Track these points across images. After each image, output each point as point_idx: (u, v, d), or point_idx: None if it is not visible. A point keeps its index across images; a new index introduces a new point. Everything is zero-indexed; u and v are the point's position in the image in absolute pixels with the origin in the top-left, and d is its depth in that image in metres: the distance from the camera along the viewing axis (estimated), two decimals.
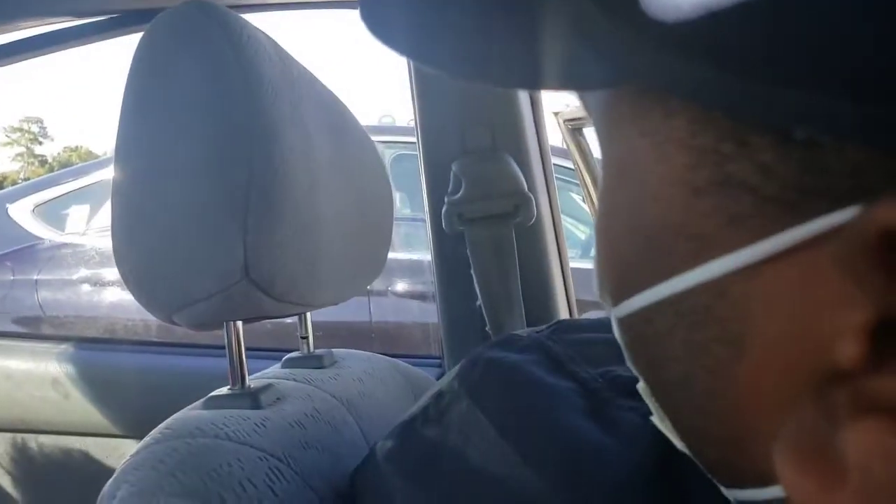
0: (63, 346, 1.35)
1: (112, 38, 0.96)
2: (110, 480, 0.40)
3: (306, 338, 0.64)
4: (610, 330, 0.22)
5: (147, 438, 0.43)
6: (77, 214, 2.27)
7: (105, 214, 2.22)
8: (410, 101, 0.91)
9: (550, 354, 0.36)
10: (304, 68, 0.54)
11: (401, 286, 2.06)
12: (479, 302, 0.86)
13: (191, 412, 0.46)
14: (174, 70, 0.44)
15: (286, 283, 0.47)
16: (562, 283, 0.91)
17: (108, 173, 2.29)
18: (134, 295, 0.46)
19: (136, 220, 0.45)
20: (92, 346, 1.39)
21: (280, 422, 0.44)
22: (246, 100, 0.42)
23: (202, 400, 0.48)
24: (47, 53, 0.88)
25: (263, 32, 0.49)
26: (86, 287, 1.85)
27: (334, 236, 0.53)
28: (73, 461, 1.28)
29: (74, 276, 1.92)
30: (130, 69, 0.45)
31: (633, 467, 0.27)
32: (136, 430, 1.22)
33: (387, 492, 0.35)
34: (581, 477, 0.28)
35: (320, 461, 0.44)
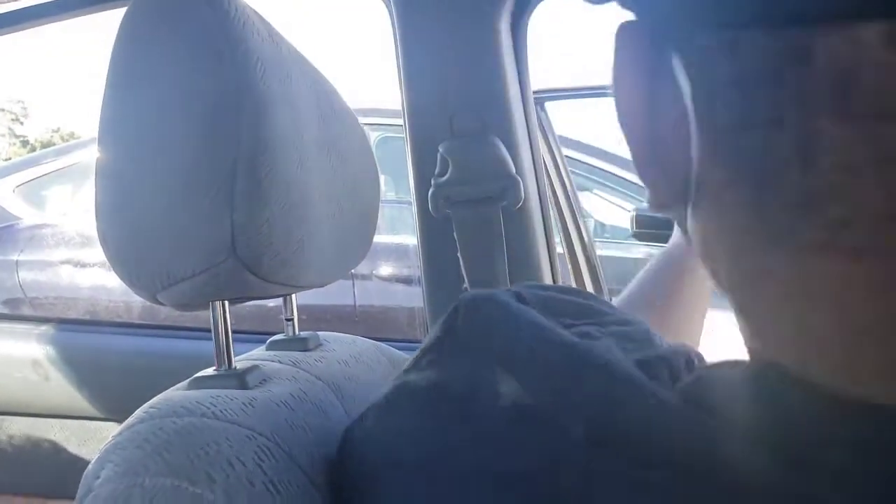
0: (44, 328, 1.33)
1: (94, 12, 0.94)
2: (94, 460, 0.39)
3: (291, 320, 0.63)
4: (573, 294, 0.22)
5: (131, 418, 0.42)
6: (58, 195, 2.24)
7: (87, 195, 2.19)
8: (398, 83, 0.90)
9: (524, 300, 0.35)
10: (294, 46, 0.53)
11: (385, 270, 2.06)
12: (466, 285, 0.86)
13: (175, 392, 0.46)
14: (160, 45, 0.43)
15: (273, 263, 0.47)
16: (549, 266, 0.91)
17: (90, 154, 2.27)
18: (118, 275, 0.46)
19: (120, 199, 0.44)
20: (73, 328, 1.37)
21: (267, 402, 0.44)
22: (234, 75, 0.42)
23: (187, 381, 0.48)
24: (28, 28, 0.86)
25: (252, 8, 0.48)
26: (67, 268, 1.83)
27: (321, 216, 0.53)
28: (52, 443, 1.27)
29: (55, 258, 1.89)
30: (114, 45, 0.45)
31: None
32: (117, 413, 1.21)
33: (378, 449, 0.34)
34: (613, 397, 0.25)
35: (308, 441, 0.44)
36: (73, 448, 1.25)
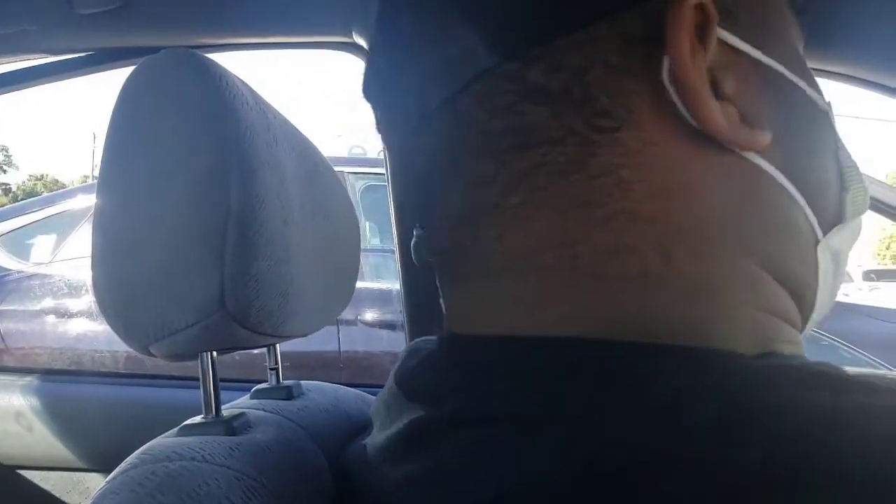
0: (28, 379, 1.33)
1: (84, 75, 0.98)
2: (89, 502, 0.41)
3: (275, 369, 0.66)
4: None
5: (123, 464, 0.44)
6: (43, 244, 2.25)
7: (72, 245, 2.20)
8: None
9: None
10: (278, 112, 0.57)
11: (370, 315, 2.08)
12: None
13: (165, 439, 0.48)
14: (157, 111, 0.47)
15: (260, 315, 0.49)
16: None
17: (75, 203, 2.29)
18: (111, 326, 0.48)
19: (116, 254, 0.47)
20: (57, 379, 1.37)
21: (253, 447, 0.46)
22: (225, 142, 0.45)
23: (176, 428, 0.50)
24: (22, 88, 0.90)
25: (239, 78, 0.52)
26: (51, 318, 1.83)
27: (305, 270, 0.56)
28: (34, 495, 1.25)
29: (39, 307, 1.89)
30: (115, 107, 0.48)
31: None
32: (100, 463, 1.21)
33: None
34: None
35: (292, 484, 0.46)
36: (52, 500, 1.23)
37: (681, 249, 0.27)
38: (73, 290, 1.89)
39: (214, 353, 0.51)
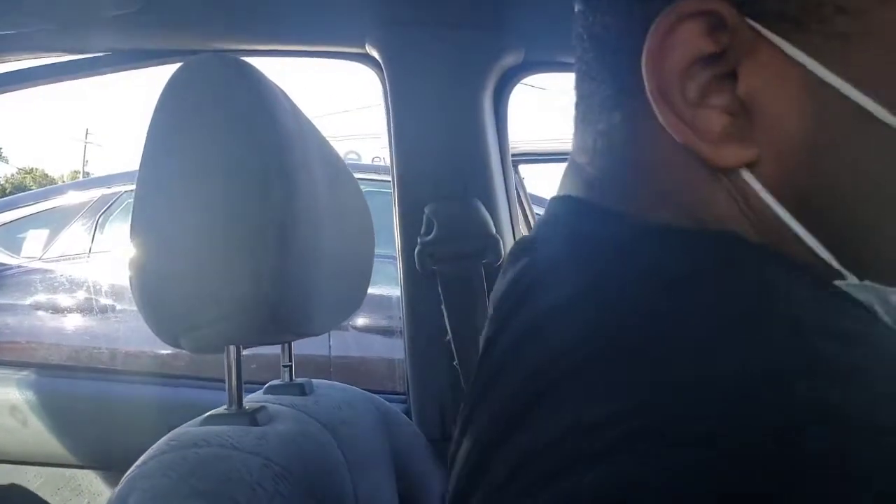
0: (24, 373, 1.33)
1: (99, 75, 0.99)
2: (118, 488, 0.43)
3: (289, 366, 0.68)
4: None
5: (152, 450, 0.46)
6: (35, 239, 2.24)
7: (63, 241, 2.20)
8: (388, 147, 0.97)
9: None
10: (308, 119, 0.59)
11: (362, 321, 2.09)
12: (449, 337, 0.91)
13: (191, 428, 0.50)
14: (200, 114, 0.49)
15: (286, 312, 0.52)
16: None
17: (67, 199, 2.28)
18: (144, 317, 0.50)
19: (154, 249, 0.49)
20: (53, 374, 1.37)
21: (277, 437, 0.48)
22: (267, 146, 0.48)
23: (200, 417, 0.52)
24: (35, 86, 0.92)
25: (277, 85, 0.55)
26: (41, 313, 1.82)
27: (326, 271, 0.58)
28: (26, 490, 1.25)
29: (29, 301, 1.89)
30: (157, 109, 0.50)
31: None
32: (92, 460, 1.21)
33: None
34: None
35: (315, 473, 0.48)
36: (47, 496, 1.23)
37: None
38: (65, 285, 1.89)
39: (240, 347, 0.53)
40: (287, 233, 0.49)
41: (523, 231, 1.12)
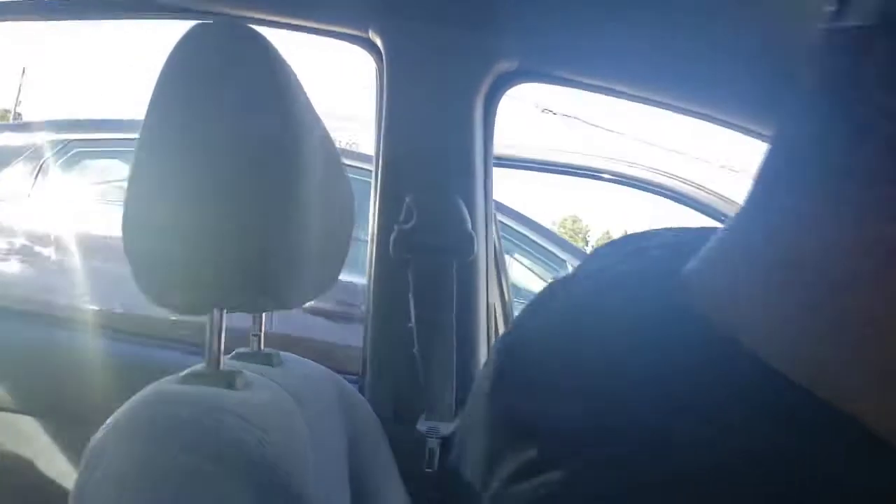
0: None
1: (87, 19, 0.98)
2: (95, 438, 0.44)
3: (258, 336, 0.69)
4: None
5: (134, 402, 0.47)
6: None
7: (4, 179, 2.10)
8: (375, 132, 0.99)
9: None
10: (308, 97, 0.61)
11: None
12: (412, 324, 0.93)
13: (172, 385, 0.51)
14: (209, 83, 0.50)
15: (273, 281, 0.54)
16: (484, 315, 1.00)
17: (5, 140, 2.18)
18: (133, 273, 0.51)
19: (151, 206, 0.50)
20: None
21: (256, 403, 0.50)
22: (271, 123, 0.49)
23: (177, 376, 0.53)
24: (33, 20, 0.89)
25: (286, 60, 0.56)
26: None
27: (312, 245, 0.60)
28: None
29: None
30: (163, 73, 0.50)
31: None
32: (30, 407, 1.18)
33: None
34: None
35: (287, 442, 0.50)
36: None
37: None
38: (6, 228, 1.82)
39: (224, 311, 0.54)
40: (278, 208, 0.51)
41: (495, 232, 1.16)
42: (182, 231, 0.50)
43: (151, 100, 0.51)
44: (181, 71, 0.50)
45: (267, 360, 0.67)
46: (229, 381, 0.53)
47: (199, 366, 0.55)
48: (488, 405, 0.31)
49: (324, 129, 0.64)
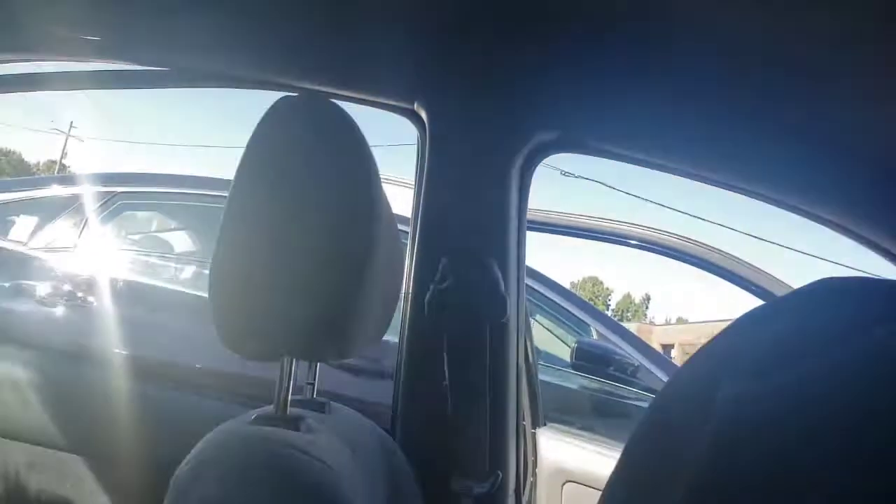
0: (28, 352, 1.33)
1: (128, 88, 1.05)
2: (184, 469, 0.47)
3: (312, 384, 0.73)
4: None
5: (208, 442, 0.51)
6: (24, 224, 2.24)
7: (49, 231, 2.20)
8: (414, 196, 1.04)
9: None
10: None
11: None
12: (446, 383, 0.96)
13: (242, 426, 0.54)
14: (300, 150, 0.55)
15: (339, 336, 0.57)
16: (514, 376, 1.03)
17: (55, 192, 2.29)
18: (214, 321, 0.55)
19: (235, 261, 0.55)
20: (55, 357, 1.37)
21: (324, 445, 0.53)
22: (359, 186, 0.54)
23: (247, 416, 0.56)
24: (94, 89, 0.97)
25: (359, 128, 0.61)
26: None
27: (368, 303, 0.64)
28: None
29: (9, 284, 1.89)
30: (255, 137, 0.56)
31: None
32: (80, 446, 1.21)
33: None
34: None
35: (348, 484, 0.53)
36: (31, 475, 1.22)
37: None
38: (54, 274, 1.89)
39: (294, 360, 0.58)
40: (350, 269, 0.55)
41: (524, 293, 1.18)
42: (263, 284, 0.54)
43: (242, 161, 0.56)
44: (271, 137, 0.55)
45: (320, 407, 0.70)
46: (295, 424, 0.57)
47: (268, 408, 0.59)
48: None
49: (385, 195, 0.69)
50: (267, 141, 0.56)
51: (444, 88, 0.98)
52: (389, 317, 0.73)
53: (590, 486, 1.47)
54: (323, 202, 0.54)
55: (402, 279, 0.75)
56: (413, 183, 1.06)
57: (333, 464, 0.51)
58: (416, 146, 1.05)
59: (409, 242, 1.04)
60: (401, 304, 1.05)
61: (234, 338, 0.55)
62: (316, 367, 0.72)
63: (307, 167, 0.55)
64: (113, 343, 1.59)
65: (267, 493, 0.44)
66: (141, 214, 2.60)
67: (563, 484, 1.52)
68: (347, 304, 0.55)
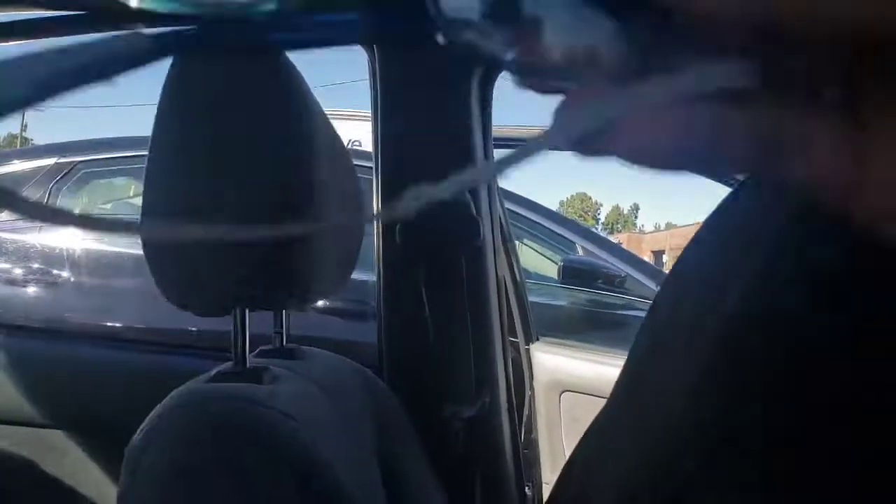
0: None
1: (81, 33, 0.98)
2: (136, 438, 0.45)
3: (280, 333, 0.70)
4: None
5: (164, 406, 0.48)
6: None
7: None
8: (372, 127, 0.99)
9: None
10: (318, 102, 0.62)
11: (320, 302, 2.10)
12: (427, 313, 0.94)
13: (201, 384, 0.52)
14: (222, 84, 0.50)
15: (290, 281, 0.54)
16: (495, 299, 1.01)
17: (15, 167, 2.21)
18: (154, 279, 0.52)
19: (167, 210, 0.51)
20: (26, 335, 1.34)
21: (286, 395, 0.51)
22: (291, 123, 0.50)
23: (206, 375, 0.54)
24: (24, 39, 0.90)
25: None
26: None
27: (324, 247, 0.61)
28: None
29: None
30: (172, 76, 0.51)
31: None
32: (62, 421, 1.20)
33: None
34: None
35: (319, 432, 0.51)
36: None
37: None
38: (21, 252, 1.84)
39: (246, 311, 0.55)
40: (297, 209, 0.52)
41: (499, 214, 1.16)
42: (201, 234, 0.51)
43: (159, 109, 0.51)
44: (189, 76, 0.51)
45: (290, 354, 0.68)
46: (256, 376, 0.54)
47: (226, 365, 0.56)
48: None
49: (332, 128, 0.64)
50: (184, 79, 0.51)
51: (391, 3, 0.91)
52: (352, 258, 0.70)
53: (586, 394, 1.49)
54: (250, 140, 0.50)
55: (362, 215, 0.71)
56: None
57: (298, 414, 0.49)
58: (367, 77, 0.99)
59: (373, 176, 1.00)
60: (377, 241, 1.02)
61: (178, 292, 0.52)
62: (282, 314, 0.69)
63: (231, 103, 0.50)
64: (90, 313, 1.57)
65: (219, 454, 0.41)
66: (110, 182, 2.53)
67: (561, 393, 1.54)
68: (294, 245, 0.52)
